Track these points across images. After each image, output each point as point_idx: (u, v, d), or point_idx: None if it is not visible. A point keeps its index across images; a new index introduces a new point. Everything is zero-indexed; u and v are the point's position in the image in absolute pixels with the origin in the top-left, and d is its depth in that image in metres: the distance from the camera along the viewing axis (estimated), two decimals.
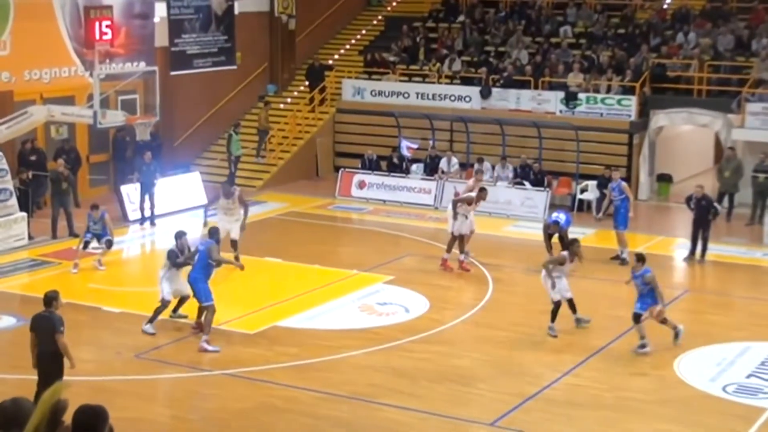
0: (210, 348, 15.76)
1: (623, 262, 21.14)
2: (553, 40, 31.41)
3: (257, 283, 19.97)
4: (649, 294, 16.14)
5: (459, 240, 20.83)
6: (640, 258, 16.53)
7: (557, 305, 17.03)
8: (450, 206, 21.17)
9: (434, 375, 15.11)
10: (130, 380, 14.95)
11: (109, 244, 20.63)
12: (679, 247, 23.07)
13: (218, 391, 14.53)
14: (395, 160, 28.47)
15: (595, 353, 16.15)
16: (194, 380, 14.93)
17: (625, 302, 19.17)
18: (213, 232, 17.06)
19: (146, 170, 24.44)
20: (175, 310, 17.15)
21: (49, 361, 12.69)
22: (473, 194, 20.97)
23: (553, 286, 17.04)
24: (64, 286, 17.31)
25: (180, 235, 17.11)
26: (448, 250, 20.80)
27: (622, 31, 31.26)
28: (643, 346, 16.02)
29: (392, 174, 27.97)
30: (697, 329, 17.29)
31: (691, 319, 18.09)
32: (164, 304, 16.71)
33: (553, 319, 17.01)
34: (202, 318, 16.34)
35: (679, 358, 15.78)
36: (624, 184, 21.81)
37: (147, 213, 24.54)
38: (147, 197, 24.44)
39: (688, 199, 22.18)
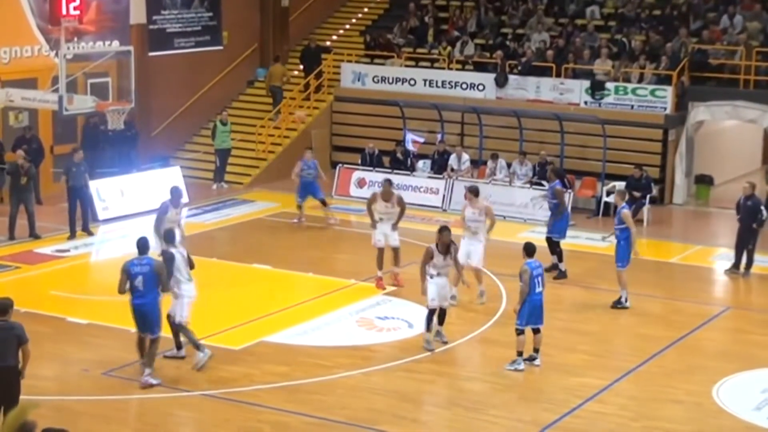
0: (154, 381, 15.43)
1: (622, 307, 19.59)
2: (579, 21, 31.42)
3: (243, 293, 19.96)
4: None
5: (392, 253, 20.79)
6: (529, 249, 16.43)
7: (430, 312, 16.91)
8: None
9: (440, 399, 15.10)
10: (97, 400, 14.92)
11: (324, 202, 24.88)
12: (720, 257, 23.05)
13: (197, 414, 14.52)
14: (399, 156, 28.48)
15: (623, 376, 16.15)
16: (170, 401, 14.92)
17: (657, 320, 19.19)
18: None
19: (76, 171, 23.50)
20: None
21: (11, 377, 12.67)
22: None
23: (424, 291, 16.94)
24: (23, 293, 17.35)
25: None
26: (380, 267, 20.58)
27: (657, 12, 31.26)
28: None
29: (396, 171, 27.96)
30: (740, 351, 17.26)
31: (733, 339, 18.09)
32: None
33: (427, 328, 16.98)
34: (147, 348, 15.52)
35: (719, 384, 15.77)
36: (626, 212, 19.49)
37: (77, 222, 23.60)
38: (79, 203, 23.44)
39: (738, 204, 22.01)
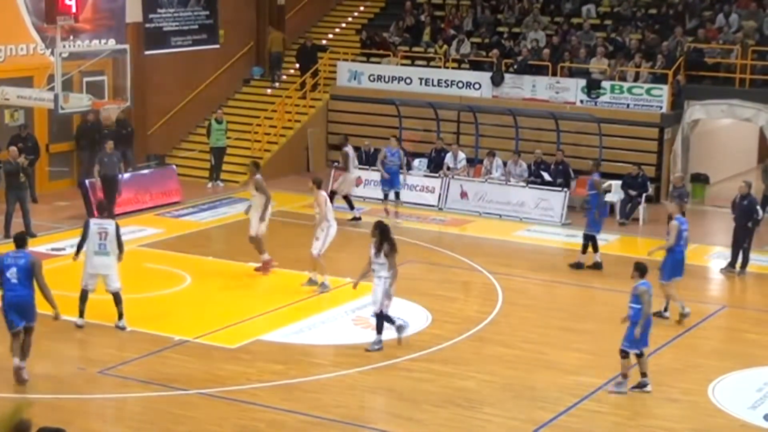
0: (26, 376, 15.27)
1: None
2: (575, 20, 31.45)
3: (239, 292, 19.96)
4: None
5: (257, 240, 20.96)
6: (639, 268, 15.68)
7: (378, 317, 16.84)
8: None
9: (436, 398, 15.10)
10: (92, 399, 14.93)
11: (397, 195, 25.07)
12: (716, 256, 23.08)
13: (193, 412, 14.51)
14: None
15: (619, 375, 16.13)
16: (166, 400, 14.91)
17: (653, 318, 19.19)
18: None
19: (108, 161, 24.29)
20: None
21: None
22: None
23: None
24: None
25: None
26: (262, 252, 20.90)
27: (653, 11, 31.29)
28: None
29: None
30: (736, 350, 17.29)
31: (729, 338, 18.12)
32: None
33: (378, 330, 16.87)
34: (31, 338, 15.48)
35: (715, 382, 15.78)
36: (674, 224, 18.71)
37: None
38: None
39: (734, 203, 22.05)
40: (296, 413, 14.43)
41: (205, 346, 16.87)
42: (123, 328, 17.42)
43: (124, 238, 17.81)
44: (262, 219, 20.66)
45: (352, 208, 25.57)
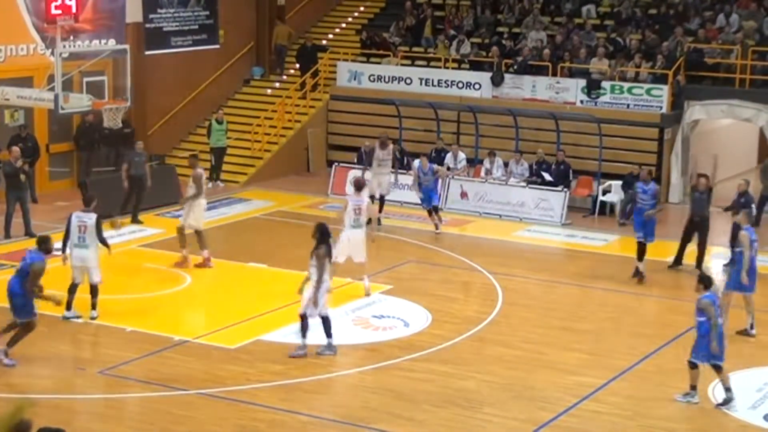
0: (7, 362, 15.67)
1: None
2: (575, 20, 31.43)
3: (239, 292, 19.96)
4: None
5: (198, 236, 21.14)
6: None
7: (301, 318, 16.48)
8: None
9: (436, 398, 15.10)
10: (92, 399, 14.94)
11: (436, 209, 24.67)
12: (716, 256, 23.06)
13: (193, 412, 14.51)
14: (396, 154, 28.42)
15: (619, 375, 16.16)
16: (166, 400, 14.91)
17: (652, 318, 19.22)
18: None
19: (138, 161, 24.72)
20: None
21: None
22: None
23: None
24: None
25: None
26: (184, 246, 21.09)
27: (653, 11, 31.29)
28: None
29: (392, 170, 27.94)
30: (736, 350, 17.27)
31: (730, 337, 18.05)
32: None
33: (302, 333, 16.42)
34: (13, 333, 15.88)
35: (715, 383, 15.77)
36: (744, 233, 18.18)
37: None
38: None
39: (733, 201, 21.93)
40: (296, 413, 14.43)
41: (205, 346, 16.87)
42: (94, 318, 17.79)
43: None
44: (189, 213, 20.83)
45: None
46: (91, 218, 17.70)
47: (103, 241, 17.85)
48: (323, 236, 16.31)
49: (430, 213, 24.75)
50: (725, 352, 15.04)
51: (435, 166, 25.44)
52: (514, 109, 28.41)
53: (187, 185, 21.55)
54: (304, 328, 16.39)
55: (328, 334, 16.53)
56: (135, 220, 24.32)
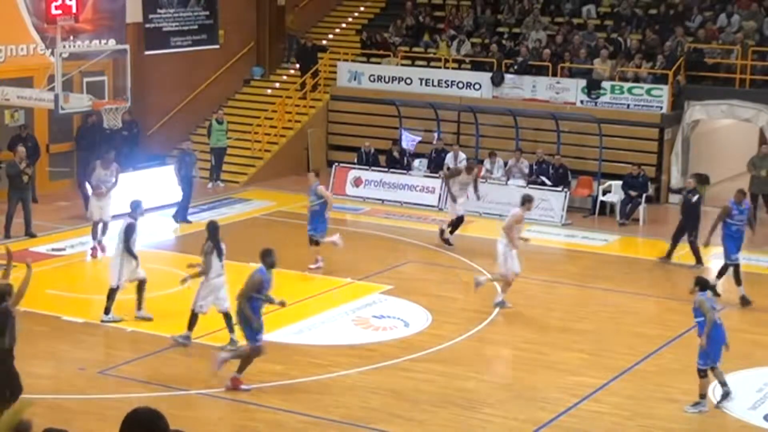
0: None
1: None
2: (575, 20, 31.44)
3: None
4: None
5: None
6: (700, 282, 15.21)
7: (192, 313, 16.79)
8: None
9: (436, 398, 15.12)
10: (93, 399, 14.95)
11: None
12: (716, 257, 23.05)
13: (193, 413, 14.53)
14: (395, 155, 28.50)
15: (619, 375, 16.18)
16: (166, 400, 14.92)
17: (652, 319, 19.23)
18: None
19: (189, 161, 24.83)
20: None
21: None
22: None
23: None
24: None
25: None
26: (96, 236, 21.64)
27: (653, 11, 31.28)
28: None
29: (392, 170, 27.99)
30: (736, 350, 17.23)
31: (730, 338, 18.05)
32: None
33: (190, 327, 16.73)
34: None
35: (715, 383, 15.78)
36: None
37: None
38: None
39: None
40: (296, 413, 14.45)
41: (205, 346, 16.87)
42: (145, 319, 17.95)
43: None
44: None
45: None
46: (122, 224, 17.90)
47: (128, 249, 17.75)
48: (210, 233, 16.77)
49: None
50: (721, 355, 14.94)
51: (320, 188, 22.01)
52: (514, 109, 28.43)
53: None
54: (191, 322, 16.76)
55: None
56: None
